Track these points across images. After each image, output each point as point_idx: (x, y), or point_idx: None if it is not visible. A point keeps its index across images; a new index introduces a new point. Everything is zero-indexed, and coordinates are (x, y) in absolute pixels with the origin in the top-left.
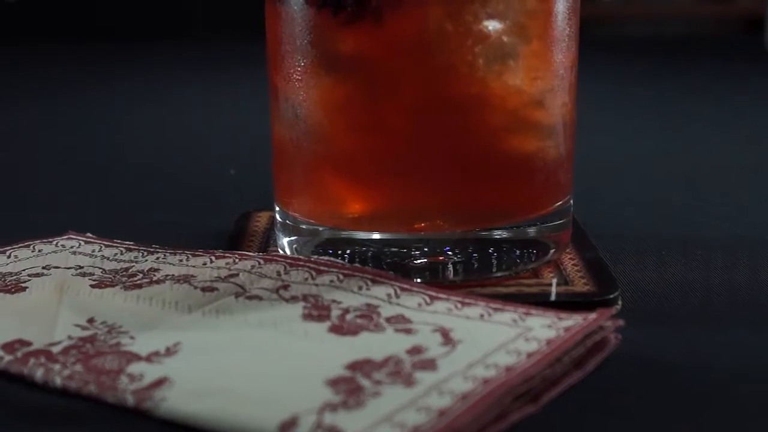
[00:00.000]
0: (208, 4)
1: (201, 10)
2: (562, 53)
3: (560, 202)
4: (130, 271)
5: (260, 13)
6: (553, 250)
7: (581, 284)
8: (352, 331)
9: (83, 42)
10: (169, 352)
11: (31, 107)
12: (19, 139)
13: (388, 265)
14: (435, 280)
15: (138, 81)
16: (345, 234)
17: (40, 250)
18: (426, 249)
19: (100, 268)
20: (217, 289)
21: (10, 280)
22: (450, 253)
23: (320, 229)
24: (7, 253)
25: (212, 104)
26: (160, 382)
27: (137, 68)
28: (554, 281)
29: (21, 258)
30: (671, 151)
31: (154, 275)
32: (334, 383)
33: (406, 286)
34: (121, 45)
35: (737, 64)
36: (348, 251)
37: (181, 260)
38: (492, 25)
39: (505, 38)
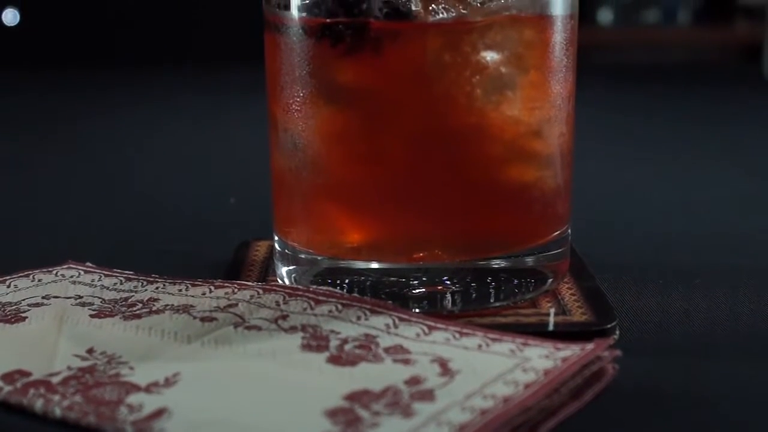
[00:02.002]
0: (208, 32)
1: (201, 37)
2: (560, 84)
3: (558, 232)
4: (130, 300)
5: (260, 41)
6: (551, 280)
7: (579, 314)
8: (351, 361)
9: (82, 68)
10: (169, 382)
11: (29, 134)
12: (17, 166)
13: (387, 294)
14: (433, 310)
15: (137, 108)
16: (343, 263)
17: (39, 280)
18: (424, 278)
19: (99, 298)
20: (216, 319)
21: (9, 310)
22: (448, 282)
23: (319, 258)
24: (7, 283)
25: (212, 132)
26: (159, 413)
27: (136, 95)
28: (552, 311)
29: (21, 287)
30: (671, 178)
31: (154, 305)
32: (333, 414)
33: (404, 316)
34: (121, 72)
35: (736, 91)
36: (347, 281)
37: (180, 290)
38: (490, 56)
39: (503, 69)
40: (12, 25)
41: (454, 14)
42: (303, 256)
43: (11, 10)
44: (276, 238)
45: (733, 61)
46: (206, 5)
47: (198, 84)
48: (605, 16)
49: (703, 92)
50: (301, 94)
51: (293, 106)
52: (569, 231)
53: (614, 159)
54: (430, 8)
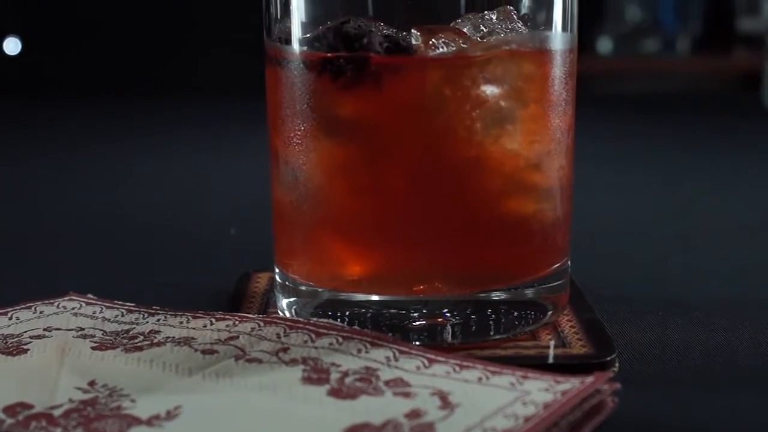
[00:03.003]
0: (209, 62)
1: (201, 68)
2: (559, 117)
3: (558, 264)
4: (131, 333)
5: (260, 71)
6: (551, 312)
7: (578, 346)
8: (351, 394)
9: (82, 98)
10: (170, 415)
11: (29, 165)
12: (18, 197)
13: (387, 326)
14: (433, 343)
15: (138, 138)
16: (344, 296)
17: (41, 312)
18: (425, 311)
19: (101, 330)
20: (217, 351)
21: (11, 342)
22: (448, 314)
23: (319, 290)
24: (9, 315)
25: (212, 163)
26: None
27: (137, 125)
28: (552, 343)
29: (22, 320)
30: (670, 209)
31: (155, 337)
32: None
33: (404, 348)
34: (121, 102)
35: (735, 121)
36: (347, 312)
37: (181, 322)
38: (490, 90)
39: (502, 102)
40: (13, 54)
41: (454, 48)
42: (303, 288)
43: (13, 39)
44: (277, 270)
45: (732, 89)
46: (207, 37)
47: (198, 114)
48: (605, 45)
49: (702, 122)
50: (302, 128)
51: (294, 140)
52: (569, 263)
53: (613, 189)
54: (431, 42)
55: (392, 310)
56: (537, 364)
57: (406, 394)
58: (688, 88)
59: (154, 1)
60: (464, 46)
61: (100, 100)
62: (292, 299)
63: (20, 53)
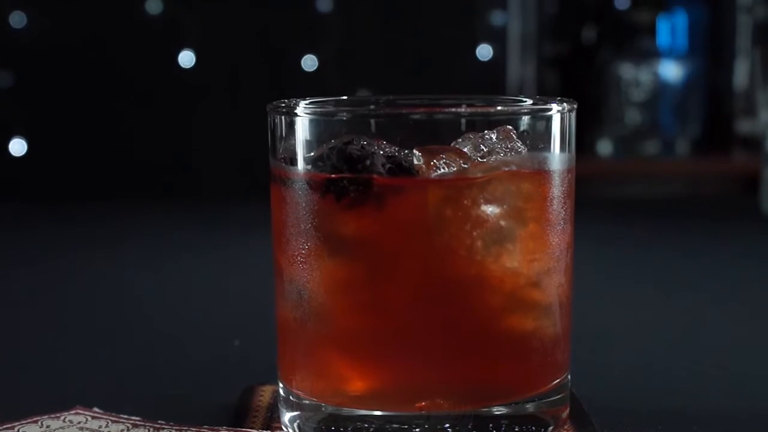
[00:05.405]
0: (212, 169)
1: (205, 174)
2: (558, 236)
3: (558, 379)
4: None
5: (263, 177)
6: (551, 427)
7: None
8: None
9: (87, 201)
10: None
11: (31, 270)
12: (20, 305)
13: None
14: None
15: (139, 245)
16: (347, 411)
17: (48, 426)
18: (426, 426)
19: None
20: None
21: None
22: (450, 429)
23: (323, 405)
24: (16, 429)
25: (215, 272)
26: None
27: (138, 231)
28: None
29: None
30: (670, 317)
31: None
32: None
33: None
34: (123, 208)
35: (734, 226)
36: (350, 428)
37: None
38: (490, 210)
39: (502, 222)
40: (19, 155)
41: (455, 169)
42: (307, 402)
43: (18, 140)
44: (280, 384)
45: (732, 192)
46: (212, 143)
47: (201, 221)
48: (605, 147)
49: (702, 227)
50: (306, 246)
51: (298, 258)
52: (569, 377)
53: (612, 295)
54: (432, 163)
55: (395, 425)
56: None
57: None
58: (688, 191)
59: (159, 106)
60: (465, 166)
61: (103, 204)
62: (295, 413)
63: (26, 154)
